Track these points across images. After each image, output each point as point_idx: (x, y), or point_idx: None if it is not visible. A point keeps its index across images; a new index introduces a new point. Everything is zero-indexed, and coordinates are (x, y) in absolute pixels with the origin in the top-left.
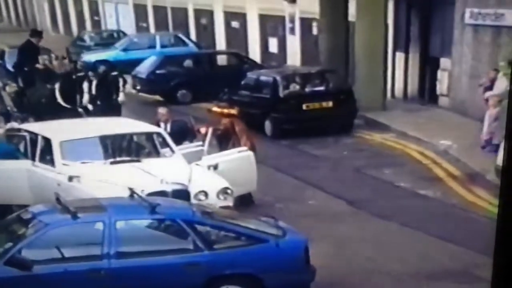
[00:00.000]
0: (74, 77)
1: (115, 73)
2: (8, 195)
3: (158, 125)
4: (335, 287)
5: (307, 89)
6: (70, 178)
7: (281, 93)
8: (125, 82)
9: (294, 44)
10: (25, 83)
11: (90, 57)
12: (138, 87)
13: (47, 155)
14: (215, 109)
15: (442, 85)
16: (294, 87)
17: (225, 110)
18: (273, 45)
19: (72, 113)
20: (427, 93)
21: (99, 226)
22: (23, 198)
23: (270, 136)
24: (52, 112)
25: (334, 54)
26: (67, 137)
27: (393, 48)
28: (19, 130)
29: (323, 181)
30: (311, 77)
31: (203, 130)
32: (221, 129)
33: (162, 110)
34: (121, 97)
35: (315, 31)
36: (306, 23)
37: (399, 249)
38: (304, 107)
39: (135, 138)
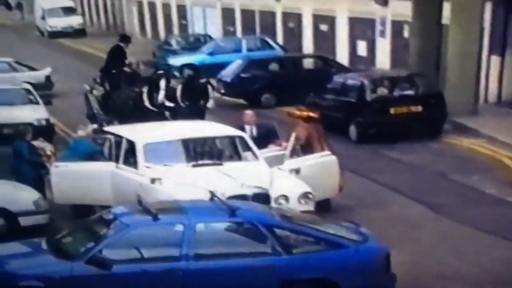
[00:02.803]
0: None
1: (203, 80)
2: (92, 196)
3: (243, 128)
4: None
5: (395, 93)
6: (152, 180)
7: (368, 96)
8: (213, 88)
9: (383, 47)
10: (112, 86)
11: (176, 61)
12: (223, 91)
13: (130, 158)
14: (295, 112)
15: None
16: (382, 91)
17: (305, 113)
18: (362, 48)
19: (158, 116)
20: None
21: (179, 227)
22: (105, 199)
23: (354, 141)
24: (137, 114)
25: (425, 58)
26: (151, 139)
27: (488, 51)
28: (104, 132)
29: (406, 187)
30: (400, 81)
31: (284, 144)
32: (303, 136)
33: (248, 113)
34: (210, 104)
35: (406, 34)
36: (397, 26)
37: (481, 257)
38: (391, 111)
39: (217, 141)
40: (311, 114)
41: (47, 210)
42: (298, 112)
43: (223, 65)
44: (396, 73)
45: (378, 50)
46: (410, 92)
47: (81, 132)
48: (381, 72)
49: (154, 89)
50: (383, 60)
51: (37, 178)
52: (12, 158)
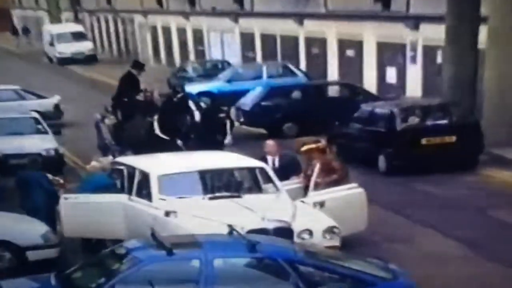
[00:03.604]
0: (175, 100)
1: (222, 114)
2: (104, 229)
3: (265, 159)
4: None
5: (427, 123)
6: (167, 213)
7: (398, 126)
8: (232, 124)
9: (414, 73)
10: (124, 115)
11: (192, 88)
12: (242, 120)
13: (144, 189)
14: (305, 148)
15: None
16: (413, 120)
17: (321, 144)
18: (391, 75)
19: (171, 146)
20: None
21: (196, 263)
22: (117, 233)
23: (383, 173)
24: (150, 145)
25: (460, 85)
26: (165, 171)
27: None
28: (116, 163)
29: (439, 222)
30: (432, 110)
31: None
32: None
33: (270, 143)
34: (228, 140)
35: (439, 59)
36: (429, 51)
37: None
38: (423, 141)
39: (236, 173)
40: (320, 144)
41: (56, 244)
42: (314, 145)
43: (242, 93)
44: (428, 102)
45: (409, 77)
46: (443, 122)
47: (95, 164)
48: (412, 100)
49: (171, 118)
50: (414, 88)
51: (53, 210)
52: (20, 190)
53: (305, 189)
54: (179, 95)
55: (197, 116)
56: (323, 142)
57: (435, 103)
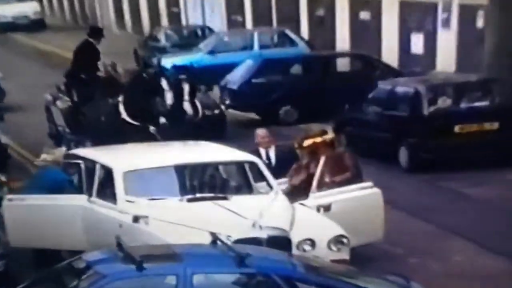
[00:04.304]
0: (145, 77)
1: (183, 76)
2: (58, 237)
3: (258, 152)
4: None
5: (462, 105)
6: (136, 219)
7: (426, 110)
8: (193, 90)
9: (448, 41)
10: (81, 96)
11: (165, 61)
12: (228, 102)
13: (107, 189)
14: (307, 143)
15: None
16: (444, 101)
17: (328, 137)
18: (417, 43)
19: (142, 134)
20: None
21: (171, 280)
22: (75, 242)
23: (405, 169)
24: (114, 133)
25: (506, 57)
26: (133, 166)
27: None
28: (72, 156)
29: (476, 230)
30: (469, 89)
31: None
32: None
33: (261, 133)
34: (187, 107)
35: (479, 23)
36: (467, 12)
37: None
38: (456, 129)
39: (221, 168)
40: (327, 136)
41: (1, 256)
42: (319, 138)
43: (228, 68)
44: (464, 78)
45: (440, 46)
46: (483, 104)
47: (46, 157)
48: (443, 76)
49: (141, 100)
50: (446, 60)
51: None
52: None
53: (306, 189)
54: (151, 70)
55: (169, 98)
56: (330, 133)
57: (473, 80)
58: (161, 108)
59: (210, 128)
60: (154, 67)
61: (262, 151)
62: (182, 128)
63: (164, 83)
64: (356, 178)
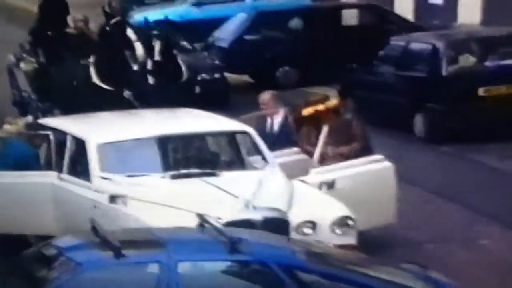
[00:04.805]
0: (108, 30)
1: (155, 32)
2: (23, 221)
3: (264, 120)
4: None
5: (488, 64)
6: (113, 198)
7: (445, 70)
8: (167, 48)
9: None
10: (48, 56)
11: (144, 15)
12: (217, 62)
13: (79, 164)
14: (308, 112)
15: None
16: (467, 60)
17: (333, 103)
18: None
19: (116, 101)
20: None
21: (154, 268)
22: (44, 226)
23: (423, 138)
24: (87, 100)
25: None
26: (109, 138)
27: None
28: (40, 126)
29: (505, 210)
30: (496, 44)
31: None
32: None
33: (262, 98)
34: (185, 75)
35: None
36: None
37: None
38: (481, 92)
39: (209, 140)
40: (331, 103)
41: None
42: (321, 105)
43: (216, 22)
44: (490, 32)
45: None
46: None
47: (8, 128)
48: (466, 29)
49: (115, 61)
50: (470, 10)
51: None
52: None
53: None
54: (113, 20)
55: (140, 49)
56: (334, 99)
57: (501, 34)
58: (132, 64)
59: (211, 95)
60: (117, 15)
61: (268, 120)
62: (168, 91)
63: (130, 33)
64: (365, 150)
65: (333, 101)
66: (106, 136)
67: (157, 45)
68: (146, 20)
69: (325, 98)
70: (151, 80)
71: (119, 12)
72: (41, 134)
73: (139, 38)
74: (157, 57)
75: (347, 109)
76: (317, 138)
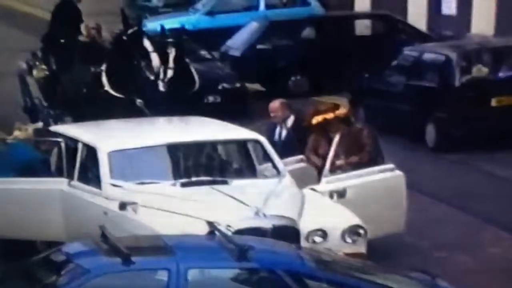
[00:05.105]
0: (124, 39)
1: (170, 40)
2: (33, 227)
3: (274, 128)
4: None
5: (501, 74)
6: (123, 206)
7: (458, 80)
8: (181, 56)
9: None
10: (60, 64)
11: (156, 24)
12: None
13: (90, 172)
14: (317, 120)
15: None
16: (480, 70)
17: (332, 115)
18: (449, 2)
19: (128, 109)
20: None
21: (163, 275)
22: (53, 232)
23: (433, 147)
24: (97, 107)
25: None
26: (119, 145)
27: None
28: (50, 133)
29: None
30: (509, 55)
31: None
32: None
33: (272, 106)
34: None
35: None
36: None
37: None
38: (493, 102)
39: (220, 148)
40: (343, 110)
41: None
42: (331, 114)
43: (229, 31)
44: (503, 42)
45: (476, 4)
46: None
47: (17, 134)
48: (479, 40)
49: (127, 69)
50: (483, 21)
51: None
52: None
53: (319, 173)
54: (130, 30)
55: (156, 60)
56: (343, 107)
57: None
58: (147, 74)
59: (231, 105)
60: (134, 27)
61: (278, 128)
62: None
63: (147, 43)
64: (376, 159)
65: (342, 110)
66: (117, 143)
67: (172, 53)
68: (162, 28)
69: (335, 107)
70: (163, 87)
71: (135, 21)
72: (50, 140)
73: (155, 48)
74: (171, 64)
75: (358, 117)
76: (325, 147)
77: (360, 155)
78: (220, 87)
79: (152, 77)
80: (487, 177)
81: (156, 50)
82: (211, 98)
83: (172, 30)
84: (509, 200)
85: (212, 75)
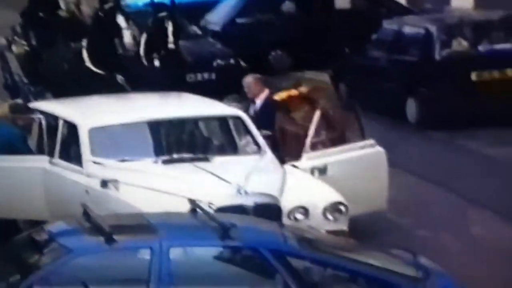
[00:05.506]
0: (101, 15)
1: (163, 13)
2: (14, 205)
3: (246, 107)
4: None
5: (481, 48)
6: (104, 183)
7: (438, 54)
8: (176, 29)
9: None
10: (40, 39)
11: None
12: (228, 48)
13: (71, 149)
14: (280, 96)
15: None
16: (460, 43)
17: (294, 92)
18: None
19: (109, 85)
20: None
21: (145, 254)
22: (35, 211)
23: (415, 124)
24: (78, 83)
25: None
26: (100, 121)
27: None
28: (30, 110)
29: (497, 198)
30: (490, 28)
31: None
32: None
33: (249, 80)
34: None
35: None
36: None
37: None
38: (474, 77)
39: (201, 124)
40: (304, 88)
41: None
42: (294, 91)
43: (208, 5)
44: (484, 16)
45: None
46: (506, 47)
47: None
48: (461, 13)
49: (107, 44)
50: None
51: None
52: None
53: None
54: (107, 6)
55: (128, 36)
56: (304, 87)
57: (494, 18)
58: (120, 51)
59: (225, 82)
60: (110, 2)
61: (252, 104)
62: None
63: (120, 19)
64: (357, 135)
65: (305, 88)
66: (98, 120)
67: (169, 27)
68: (152, 1)
69: (297, 85)
70: (157, 63)
71: None
72: (30, 117)
73: (127, 18)
74: (171, 38)
75: (340, 93)
76: (291, 125)
77: (341, 131)
78: (214, 64)
79: (131, 54)
80: (471, 155)
81: (129, 26)
82: (206, 76)
83: (153, 4)
84: (491, 178)
85: (205, 52)
